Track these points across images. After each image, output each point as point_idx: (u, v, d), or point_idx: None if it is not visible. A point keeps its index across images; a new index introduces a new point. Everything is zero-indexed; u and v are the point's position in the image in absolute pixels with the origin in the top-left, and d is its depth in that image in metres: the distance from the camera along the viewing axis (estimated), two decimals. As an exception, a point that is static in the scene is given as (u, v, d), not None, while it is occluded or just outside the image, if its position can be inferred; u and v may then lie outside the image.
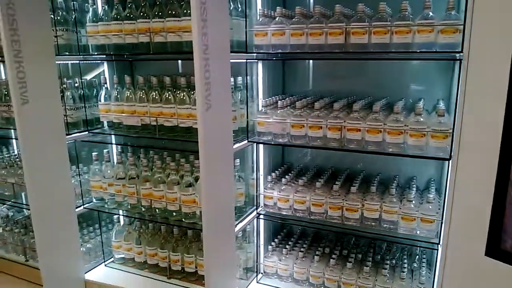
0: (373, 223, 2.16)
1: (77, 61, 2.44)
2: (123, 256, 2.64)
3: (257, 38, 2.08)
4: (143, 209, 2.34)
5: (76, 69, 2.51)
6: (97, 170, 2.45)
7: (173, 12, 2.10)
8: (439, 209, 2.04)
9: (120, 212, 2.55)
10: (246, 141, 2.22)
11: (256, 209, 2.38)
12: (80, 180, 2.48)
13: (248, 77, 2.19)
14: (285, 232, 2.67)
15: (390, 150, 1.96)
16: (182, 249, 2.43)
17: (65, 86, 2.42)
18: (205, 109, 1.77)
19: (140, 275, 2.54)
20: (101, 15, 2.29)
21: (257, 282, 2.45)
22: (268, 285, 2.43)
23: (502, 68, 1.48)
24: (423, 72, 2.33)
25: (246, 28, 2.13)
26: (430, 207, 2.03)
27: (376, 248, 2.49)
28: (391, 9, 1.97)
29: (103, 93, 2.39)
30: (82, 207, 2.49)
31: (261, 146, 2.35)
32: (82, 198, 2.48)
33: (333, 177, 2.44)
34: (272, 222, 2.56)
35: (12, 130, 2.55)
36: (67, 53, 2.37)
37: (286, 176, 2.35)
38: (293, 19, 2.04)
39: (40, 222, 2.18)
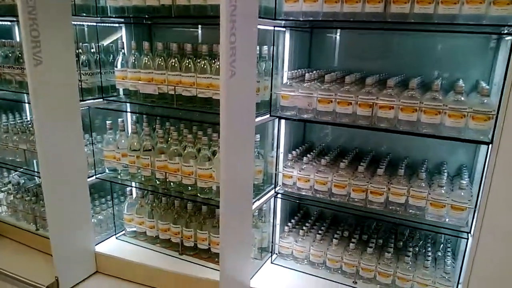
0: (398, 208, 2.04)
1: (94, 23, 2.32)
2: (134, 229, 2.57)
3: (287, 4, 1.93)
4: (157, 182, 2.25)
5: (92, 33, 2.40)
6: (111, 139, 2.35)
7: (198, -27, 1.96)
8: (471, 196, 1.91)
9: (133, 184, 2.47)
10: (268, 115, 2.09)
11: (274, 188, 2.27)
12: (93, 149, 2.39)
13: (274, 47, 2.05)
14: (302, 213, 2.57)
15: (425, 131, 1.82)
16: (196, 225, 2.35)
17: (80, 50, 2.31)
18: (229, 76, 1.65)
19: (151, 249, 2.48)
20: (120, -26, 2.16)
21: (272, 263, 2.37)
22: (283, 266, 2.34)
23: None
24: (462, 51, 2.17)
25: (275, -8, 1.98)
26: (463, 193, 1.90)
27: (398, 234, 2.38)
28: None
29: (119, 58, 2.27)
30: (94, 177, 2.41)
31: (283, 122, 2.23)
32: (94, 168, 2.40)
33: (357, 158, 2.32)
34: (290, 202, 2.45)
35: (25, 95, 2.46)
36: (84, 14, 2.25)
37: (308, 155, 2.23)
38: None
39: (50, 191, 2.10)
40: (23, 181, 2.84)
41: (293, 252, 2.36)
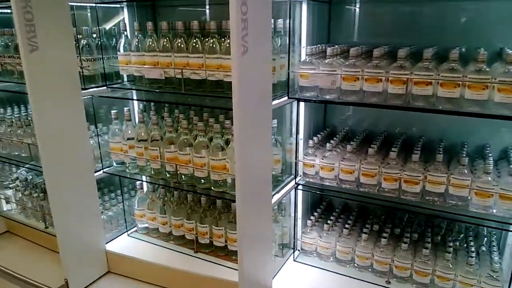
0: (435, 198, 1.80)
1: (94, 4, 2.14)
2: (146, 225, 2.42)
3: (304, -31, 1.70)
4: (167, 175, 2.07)
5: (93, 17, 2.22)
6: (117, 130, 2.18)
7: None
8: (523, 183, 1.66)
9: (143, 178, 2.30)
10: (286, 98, 1.87)
11: (295, 178, 2.06)
12: (98, 141, 2.23)
13: (290, 20, 1.82)
14: (325, 205, 2.35)
15: (470, 109, 1.57)
16: (211, 221, 2.16)
17: (80, 35, 2.14)
18: (241, 53, 1.43)
19: (165, 247, 2.31)
20: None
21: (294, 260, 2.17)
22: (307, 264, 2.14)
23: None
24: (505, 17, 1.88)
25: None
26: (513, 180, 1.64)
27: (435, 227, 2.13)
28: None
29: (122, 41, 2.09)
30: (101, 171, 2.25)
31: (302, 104, 2.00)
32: (101, 161, 2.24)
33: (386, 143, 2.08)
34: (312, 193, 2.23)
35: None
36: (81, -6, 2.08)
37: (331, 141, 2.00)
38: None
39: (55, 187, 1.95)
40: (31, 177, 2.72)
41: (317, 248, 2.15)
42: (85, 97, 2.07)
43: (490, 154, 1.86)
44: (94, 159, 2.17)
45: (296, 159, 2.02)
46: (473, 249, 1.91)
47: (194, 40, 1.90)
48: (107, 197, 2.43)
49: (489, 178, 1.68)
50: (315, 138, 2.04)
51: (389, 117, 2.18)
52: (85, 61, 2.11)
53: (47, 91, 1.85)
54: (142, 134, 2.10)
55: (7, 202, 2.72)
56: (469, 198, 1.72)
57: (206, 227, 2.17)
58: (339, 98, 1.79)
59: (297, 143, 2.01)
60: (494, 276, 1.78)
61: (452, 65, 1.58)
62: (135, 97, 2.27)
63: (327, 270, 2.09)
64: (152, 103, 2.21)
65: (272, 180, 1.87)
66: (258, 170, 1.69)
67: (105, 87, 2.18)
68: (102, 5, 2.18)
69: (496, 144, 2.01)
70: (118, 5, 2.28)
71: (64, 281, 2.07)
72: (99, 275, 2.26)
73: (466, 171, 1.74)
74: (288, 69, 1.85)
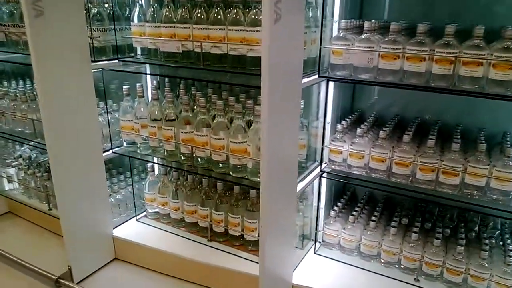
0: (474, 191, 1.64)
1: (105, -32, 1.97)
2: (157, 210, 2.28)
3: None
4: (182, 158, 1.92)
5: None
6: (128, 107, 2.03)
7: None
8: None
9: (155, 159, 2.15)
10: (316, 76, 1.71)
11: (320, 165, 1.90)
12: (108, 119, 2.07)
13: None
14: (348, 194, 2.20)
15: (527, 93, 1.40)
16: (227, 208, 2.02)
17: (91, 3, 1.97)
18: (273, 20, 1.26)
19: (176, 234, 2.18)
20: None
21: (315, 253, 2.03)
22: (328, 257, 2.00)
23: None
24: None
25: None
26: None
27: (468, 222, 1.98)
28: None
29: (136, 11, 1.91)
30: (110, 152, 2.10)
31: (331, 85, 1.83)
32: (110, 140, 2.09)
33: (420, 130, 1.91)
34: (335, 182, 2.08)
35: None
36: (92, -45, 1.90)
37: (362, 126, 1.83)
38: None
39: (59, 166, 1.81)
40: (35, 155, 2.57)
41: (341, 241, 2.01)
42: (95, 70, 1.91)
43: (537, 145, 1.70)
44: (102, 138, 2.02)
45: (322, 144, 1.86)
46: (511, 247, 1.77)
47: (216, 10, 1.73)
48: (116, 179, 2.28)
49: (539, 171, 1.52)
50: (343, 123, 1.87)
51: (423, 101, 2.00)
52: (95, 31, 1.94)
53: (53, 62, 1.69)
54: (156, 112, 1.94)
55: (9, 181, 2.59)
56: (513, 192, 1.57)
57: (222, 214, 2.03)
58: (376, 78, 1.62)
59: (324, 127, 1.84)
60: (537, 278, 1.63)
61: (506, 43, 1.41)
62: (149, 72, 2.10)
63: (350, 265, 1.94)
64: (166, 79, 2.04)
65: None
66: (284, 156, 1.54)
67: (116, 60, 2.01)
68: (114, -31, 2.01)
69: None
70: (132, -29, 2.10)
71: (67, 268, 1.94)
72: (105, 262, 2.13)
73: (511, 163, 1.58)
74: (320, 44, 1.67)
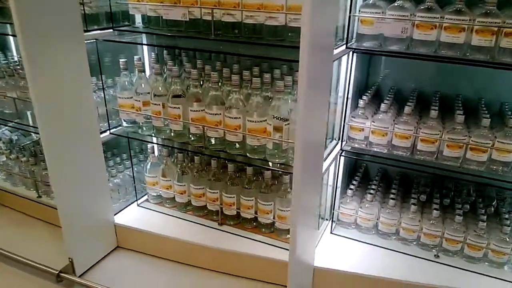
0: (500, 167, 1.60)
1: None
2: (159, 194, 2.12)
3: None
4: (191, 138, 1.76)
5: None
6: (126, 83, 1.82)
7: None
8: None
9: (157, 140, 1.98)
10: (343, 47, 1.56)
11: (340, 143, 1.79)
12: (104, 97, 1.86)
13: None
14: (362, 171, 2.13)
15: None
16: (238, 190, 1.90)
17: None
18: (315, -16, 1.10)
19: (182, 219, 2.04)
20: None
21: (331, 233, 1.96)
22: (345, 237, 1.93)
23: None
24: None
25: None
26: None
27: (485, 197, 1.96)
28: None
29: (133, -28, 1.68)
30: (108, 133, 1.91)
31: (354, 57, 1.69)
32: (107, 120, 1.88)
33: (442, 105, 1.83)
34: (349, 160, 1.98)
35: (9, 26, 1.88)
36: None
37: (385, 101, 1.73)
38: None
39: (54, 151, 1.61)
40: (16, 138, 2.32)
41: (357, 219, 1.94)
42: (88, 41, 1.68)
43: None
44: (98, 118, 1.82)
45: (344, 121, 1.75)
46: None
47: (229, -29, 1.53)
48: (112, 161, 2.10)
49: None
50: (364, 98, 1.76)
51: (444, 74, 1.91)
52: (86, -4, 1.70)
53: (40, 32, 1.46)
54: (160, 88, 1.75)
55: (-12, 167, 2.34)
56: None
57: (233, 197, 1.91)
58: (409, 49, 1.50)
59: (346, 104, 1.73)
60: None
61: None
62: (146, 42, 1.89)
63: (368, 243, 1.89)
64: (165, 52, 1.84)
65: (318, 145, 1.61)
66: (315, 135, 1.41)
67: (111, 30, 1.78)
68: None
69: None
70: None
71: (68, 261, 1.78)
72: (107, 252, 1.98)
73: (540, 138, 1.53)
74: (350, 12, 1.52)
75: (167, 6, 1.64)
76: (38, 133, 2.13)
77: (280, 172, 1.82)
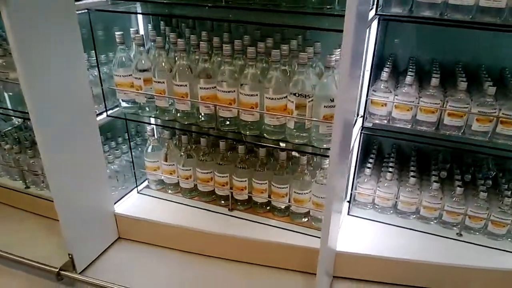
0: (529, 141, 1.53)
1: None
2: (161, 179, 1.97)
3: None
4: (201, 119, 1.60)
5: None
6: (124, 59, 1.62)
7: None
8: None
9: (163, 122, 1.80)
10: (373, 13, 1.42)
11: (362, 120, 1.67)
12: (100, 75, 1.65)
13: None
14: (376, 149, 2.02)
15: None
16: (250, 173, 1.77)
17: None
18: None
19: (188, 205, 1.90)
20: None
21: (348, 214, 1.86)
22: (362, 217, 1.85)
23: None
24: None
25: None
26: None
27: (506, 171, 1.89)
28: None
29: None
30: (105, 115, 1.71)
31: (374, 24, 1.55)
32: (104, 101, 1.69)
33: (470, 76, 1.72)
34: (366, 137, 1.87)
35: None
36: None
37: (409, 73, 1.61)
38: None
39: (46, 138, 1.41)
40: (-4, 123, 2.10)
41: (375, 199, 1.86)
42: (80, 12, 1.47)
43: None
44: (93, 98, 1.62)
45: (367, 96, 1.62)
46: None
47: None
48: (107, 146, 1.91)
49: None
50: (386, 70, 1.63)
51: (466, 43, 1.80)
52: (73, -43, 1.46)
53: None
54: (163, 64, 1.57)
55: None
56: None
57: (245, 181, 1.77)
58: (443, 16, 1.37)
59: (370, 77, 1.59)
60: None
61: None
62: (141, 10, 1.68)
63: (386, 224, 1.81)
64: (162, 23, 1.65)
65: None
66: (349, 113, 1.28)
67: (104, -2, 1.57)
68: None
69: None
70: None
71: (68, 257, 1.61)
72: (108, 244, 1.83)
73: None
74: (380, -27, 1.37)
75: (169, -31, 1.44)
76: (20, 118, 1.94)
77: (296, 153, 1.70)
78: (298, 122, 1.43)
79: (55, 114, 1.42)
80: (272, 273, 1.71)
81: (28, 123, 1.96)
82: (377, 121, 1.67)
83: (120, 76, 1.62)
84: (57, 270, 1.57)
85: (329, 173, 1.24)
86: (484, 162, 1.93)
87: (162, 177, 1.94)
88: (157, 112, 1.66)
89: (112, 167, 1.88)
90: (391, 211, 1.86)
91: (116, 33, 1.57)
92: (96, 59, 1.62)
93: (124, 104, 1.69)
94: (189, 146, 1.85)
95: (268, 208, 1.83)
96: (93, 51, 1.62)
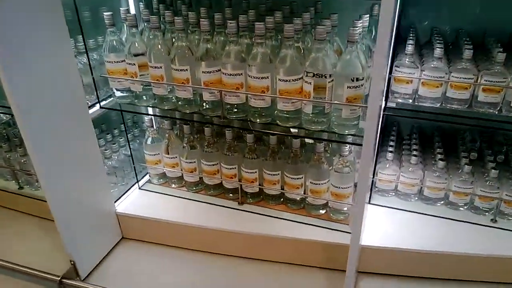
0: None
1: None
2: (163, 173, 1.82)
3: None
4: (206, 106, 1.43)
5: None
6: (115, 43, 1.44)
7: None
8: None
9: (160, 112, 1.63)
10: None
11: (386, 100, 1.50)
12: (89, 62, 1.47)
13: None
14: (395, 130, 1.86)
15: None
16: (260, 163, 1.61)
17: None
18: None
19: (194, 200, 1.76)
20: None
21: (368, 203, 1.72)
22: (385, 206, 1.70)
23: None
24: None
25: None
26: None
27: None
28: None
29: None
30: (97, 107, 1.55)
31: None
32: (96, 91, 1.51)
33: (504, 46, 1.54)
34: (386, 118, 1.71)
35: None
36: None
37: (438, 45, 1.43)
38: None
39: (35, 135, 1.26)
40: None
41: (397, 186, 1.71)
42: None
43: None
44: (83, 88, 1.45)
45: (389, 73, 1.44)
46: None
47: None
48: (103, 140, 1.75)
49: None
50: (411, 42, 1.44)
51: (489, 11, 1.61)
52: None
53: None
54: (159, 46, 1.38)
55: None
56: None
57: (255, 172, 1.62)
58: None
59: (394, 51, 1.41)
60: None
61: None
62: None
63: (410, 211, 1.66)
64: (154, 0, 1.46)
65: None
66: (378, 93, 1.11)
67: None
68: None
69: None
70: None
71: (70, 264, 1.48)
72: (112, 246, 1.69)
73: None
74: None
75: None
76: (7, 114, 1.77)
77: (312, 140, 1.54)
78: (317, 106, 1.26)
79: (41, 108, 1.25)
80: (289, 270, 1.58)
81: (16, 118, 1.80)
82: (400, 101, 1.50)
83: (112, 62, 1.44)
84: (59, 278, 1.43)
85: (362, 163, 1.10)
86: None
87: (164, 170, 1.79)
88: (155, 101, 1.49)
89: (109, 162, 1.72)
90: (415, 198, 1.71)
91: (105, 13, 1.38)
92: (84, 44, 1.44)
93: (118, 94, 1.51)
94: (192, 137, 1.69)
95: (281, 199, 1.69)
96: (80, 35, 1.44)
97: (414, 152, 1.66)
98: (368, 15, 1.36)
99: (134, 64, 1.41)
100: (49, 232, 1.68)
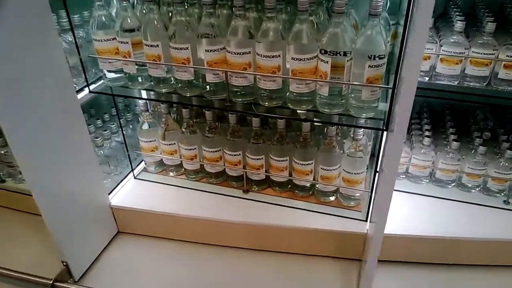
0: None
1: None
2: (160, 160, 1.69)
3: None
4: (208, 89, 1.30)
5: None
6: (103, 18, 1.28)
7: None
8: None
9: (159, 95, 1.49)
10: None
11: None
12: (75, 40, 1.31)
13: None
14: (404, 110, 1.77)
15: None
16: (266, 149, 1.50)
17: None
18: None
19: (194, 189, 1.64)
20: None
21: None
22: (396, 190, 1.62)
23: None
24: None
25: None
26: None
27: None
28: None
29: None
30: (86, 91, 1.39)
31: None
32: (84, 73, 1.36)
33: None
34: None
35: None
36: None
37: (459, 17, 1.33)
38: None
39: (15, 123, 1.11)
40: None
41: (408, 169, 1.63)
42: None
43: None
44: (70, 70, 1.30)
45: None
46: None
47: None
48: (93, 127, 1.61)
49: None
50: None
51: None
52: None
53: None
54: (155, 22, 1.23)
55: None
56: None
57: (261, 158, 1.51)
58: None
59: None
60: None
61: None
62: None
63: (422, 195, 1.60)
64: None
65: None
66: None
67: None
68: None
69: None
70: None
71: (62, 265, 1.36)
72: (107, 242, 1.58)
73: None
74: None
75: None
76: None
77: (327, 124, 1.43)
78: (333, 87, 1.15)
79: (22, 94, 1.10)
80: (300, 261, 1.50)
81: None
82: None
83: (101, 40, 1.28)
84: (51, 282, 1.31)
85: (392, 151, 1.00)
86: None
87: (162, 158, 1.66)
88: (152, 83, 1.34)
89: (101, 151, 1.58)
90: (426, 180, 1.64)
91: (91, -14, 1.22)
92: (69, 20, 1.27)
93: (109, 76, 1.36)
94: (191, 121, 1.56)
95: (289, 186, 1.59)
96: (64, 10, 1.27)
97: (427, 133, 1.57)
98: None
99: (127, 42, 1.26)
100: (38, 229, 1.55)
